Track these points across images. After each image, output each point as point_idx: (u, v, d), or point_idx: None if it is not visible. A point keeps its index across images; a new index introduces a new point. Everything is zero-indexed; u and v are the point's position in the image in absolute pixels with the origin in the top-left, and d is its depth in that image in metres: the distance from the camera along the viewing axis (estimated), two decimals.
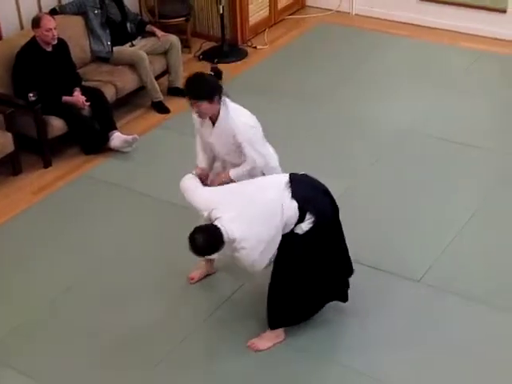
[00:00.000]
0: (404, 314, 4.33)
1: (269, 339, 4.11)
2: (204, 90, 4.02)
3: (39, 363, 4.11)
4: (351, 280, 4.56)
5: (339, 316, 4.32)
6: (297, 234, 3.88)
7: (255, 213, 3.79)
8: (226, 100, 4.10)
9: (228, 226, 3.69)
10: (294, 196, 3.86)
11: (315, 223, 3.88)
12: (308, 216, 3.87)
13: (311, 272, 3.98)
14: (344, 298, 4.23)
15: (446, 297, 4.43)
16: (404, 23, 7.83)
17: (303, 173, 4.07)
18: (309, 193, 3.94)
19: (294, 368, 4.02)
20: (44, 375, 4.05)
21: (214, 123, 4.13)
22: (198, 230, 3.73)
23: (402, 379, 3.93)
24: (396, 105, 6.46)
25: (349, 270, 4.20)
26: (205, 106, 4.02)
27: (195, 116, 4.14)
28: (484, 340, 4.15)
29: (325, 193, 4.03)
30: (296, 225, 3.87)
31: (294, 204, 3.84)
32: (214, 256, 3.99)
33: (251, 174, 4.19)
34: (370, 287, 4.52)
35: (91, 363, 4.10)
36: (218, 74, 4.12)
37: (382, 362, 4.03)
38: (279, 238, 3.83)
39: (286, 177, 3.95)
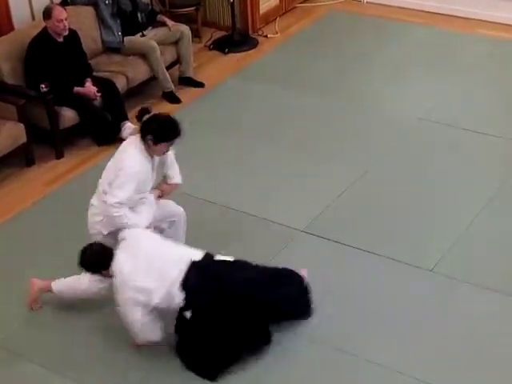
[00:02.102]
0: (417, 303, 4.33)
1: None
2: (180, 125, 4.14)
3: (52, 353, 4.15)
4: (364, 269, 4.58)
5: (351, 305, 4.32)
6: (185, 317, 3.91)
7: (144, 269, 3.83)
8: None
9: (118, 257, 3.86)
10: (184, 286, 3.82)
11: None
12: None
13: (216, 333, 3.90)
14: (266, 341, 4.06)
15: (459, 286, 4.42)
16: (417, 10, 7.77)
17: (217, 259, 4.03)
18: (200, 286, 3.86)
19: (305, 357, 4.03)
20: (56, 364, 4.08)
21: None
22: (94, 244, 4.03)
23: (414, 368, 3.92)
24: (410, 93, 6.43)
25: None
26: None
27: (141, 174, 4.05)
28: (498, 329, 4.14)
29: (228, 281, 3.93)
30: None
31: (182, 296, 3.83)
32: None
33: None
34: (382, 276, 4.52)
35: (103, 352, 4.13)
36: (149, 111, 4.15)
37: (394, 351, 4.02)
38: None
39: (188, 259, 3.90)
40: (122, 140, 5.87)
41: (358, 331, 4.16)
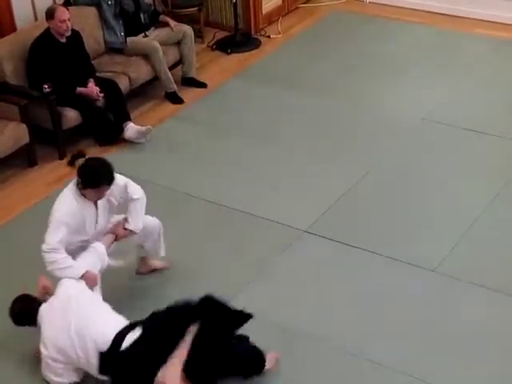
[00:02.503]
0: (419, 303, 4.32)
1: None
2: (113, 171, 4.02)
3: None
4: (366, 269, 4.58)
5: (353, 304, 4.32)
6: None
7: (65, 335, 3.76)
8: None
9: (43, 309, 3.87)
10: (103, 371, 3.75)
11: None
12: None
13: None
14: None
15: (461, 286, 4.42)
16: (419, 10, 7.77)
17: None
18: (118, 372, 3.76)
19: (305, 357, 4.02)
20: None
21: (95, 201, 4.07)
22: (21, 298, 3.99)
23: (416, 368, 3.92)
24: (412, 93, 6.43)
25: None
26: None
27: (68, 219, 3.95)
28: (500, 329, 4.13)
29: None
30: None
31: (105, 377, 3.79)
32: None
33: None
34: (385, 276, 4.52)
35: None
36: (84, 155, 4.06)
37: (395, 351, 4.02)
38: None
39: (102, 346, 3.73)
40: (124, 140, 5.95)
41: (360, 331, 4.16)
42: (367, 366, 3.95)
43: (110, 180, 3.99)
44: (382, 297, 4.37)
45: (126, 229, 4.25)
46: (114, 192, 4.13)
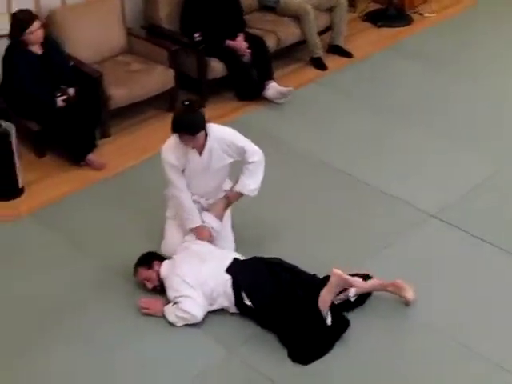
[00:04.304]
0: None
1: None
2: (199, 122, 4.03)
3: None
4: (490, 264, 4.45)
5: (468, 296, 4.22)
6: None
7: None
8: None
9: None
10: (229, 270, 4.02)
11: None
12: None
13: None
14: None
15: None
16: None
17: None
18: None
19: (414, 345, 3.96)
20: None
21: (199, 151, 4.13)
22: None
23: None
24: None
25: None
26: (201, 136, 4.04)
27: (172, 160, 4.12)
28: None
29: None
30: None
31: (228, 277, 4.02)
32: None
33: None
34: (507, 277, 4.37)
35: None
36: (196, 103, 4.08)
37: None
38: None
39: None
40: (264, 99, 6.00)
41: (472, 323, 4.05)
42: (475, 359, 3.86)
43: (187, 130, 4.01)
44: (502, 293, 4.23)
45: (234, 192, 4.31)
46: (227, 148, 4.16)
